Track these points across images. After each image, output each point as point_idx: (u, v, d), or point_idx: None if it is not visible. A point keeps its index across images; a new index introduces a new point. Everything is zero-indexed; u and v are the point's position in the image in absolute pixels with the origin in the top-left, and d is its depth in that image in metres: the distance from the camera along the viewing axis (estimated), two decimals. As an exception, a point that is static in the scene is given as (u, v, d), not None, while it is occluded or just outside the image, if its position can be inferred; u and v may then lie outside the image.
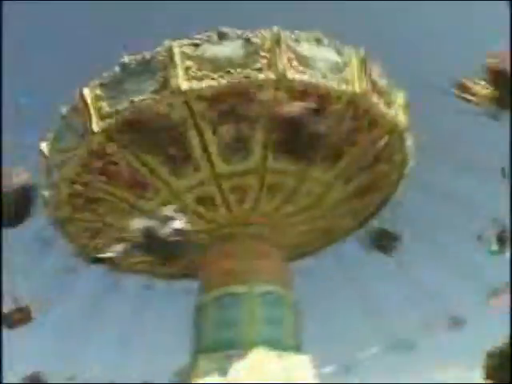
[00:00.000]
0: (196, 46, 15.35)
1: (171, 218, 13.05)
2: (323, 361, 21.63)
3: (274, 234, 21.05)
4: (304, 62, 15.93)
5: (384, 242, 22.16)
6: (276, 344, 18.60)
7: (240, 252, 20.14)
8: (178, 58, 15.16)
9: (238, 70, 15.26)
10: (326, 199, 19.90)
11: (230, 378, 17.31)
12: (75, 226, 19.88)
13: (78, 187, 17.85)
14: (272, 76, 15.43)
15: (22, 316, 13.22)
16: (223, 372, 17.53)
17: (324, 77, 16.16)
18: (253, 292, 19.40)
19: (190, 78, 15.17)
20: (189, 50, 15.32)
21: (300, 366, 18.51)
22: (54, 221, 19.36)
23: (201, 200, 19.16)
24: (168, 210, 13.56)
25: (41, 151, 17.95)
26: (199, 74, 15.16)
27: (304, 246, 23.93)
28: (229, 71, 15.23)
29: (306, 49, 16.24)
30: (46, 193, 18.57)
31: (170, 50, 15.29)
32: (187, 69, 15.15)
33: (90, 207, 18.91)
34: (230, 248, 20.31)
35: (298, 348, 19.44)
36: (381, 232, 22.37)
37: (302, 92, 16.11)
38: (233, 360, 17.70)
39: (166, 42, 15.41)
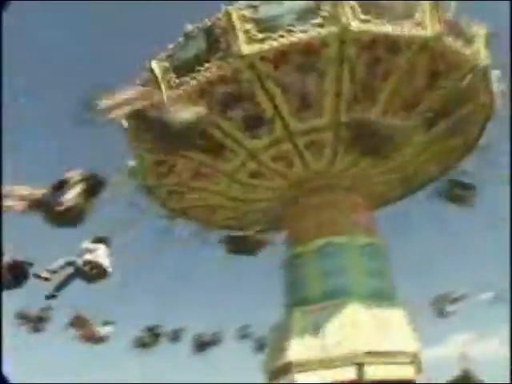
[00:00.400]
0: (254, 7, 15.11)
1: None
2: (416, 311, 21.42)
3: (358, 185, 20.87)
4: (369, 9, 15.13)
5: (459, 192, 21.08)
6: (373, 296, 18.77)
7: (327, 204, 20.23)
8: (237, 22, 15.05)
9: (299, 27, 14.90)
10: (405, 148, 19.18)
11: (325, 330, 17.67)
12: (162, 192, 20.96)
13: (162, 156, 18.64)
14: (335, 29, 14.92)
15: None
16: (318, 325, 17.93)
17: (392, 23, 15.31)
18: (351, 243, 19.57)
19: (251, 41, 15.05)
20: (247, 13, 15.13)
21: (397, 318, 18.51)
22: (141, 188, 20.57)
23: (278, 158, 19.31)
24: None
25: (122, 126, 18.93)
26: (260, 35, 15.00)
27: (388, 195, 23.44)
28: (290, 30, 14.92)
29: (369, -5, 15.43)
30: (132, 163, 19.66)
31: (228, 15, 15.19)
32: (247, 32, 15.02)
33: (173, 173, 19.79)
34: (317, 201, 20.38)
35: (393, 300, 19.49)
36: (455, 183, 21.31)
37: (370, 42, 15.58)
38: (328, 313, 18.03)
39: (224, 7, 15.30)
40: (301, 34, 14.89)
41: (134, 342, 24.27)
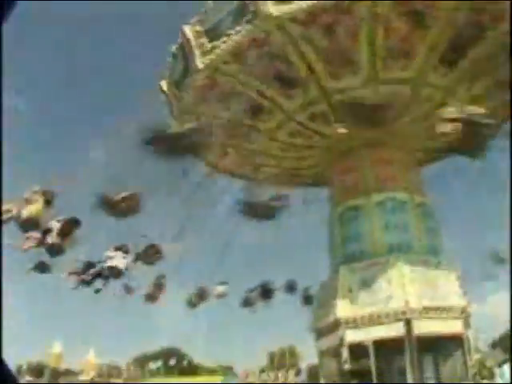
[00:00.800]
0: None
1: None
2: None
3: (398, 141, 20.49)
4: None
5: None
6: (425, 252, 19.02)
7: (366, 161, 20.33)
8: (265, -16, 14.87)
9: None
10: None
11: (373, 287, 18.05)
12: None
13: (197, 117, 19.14)
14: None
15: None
16: (367, 282, 18.31)
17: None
18: (411, 201, 19.70)
19: (279, 2, 14.91)
20: (276, -26, 14.88)
21: (446, 274, 18.63)
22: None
23: (314, 117, 19.23)
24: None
25: (161, 87, 19.45)
26: (288, -4, 14.79)
27: (434, 151, 22.81)
28: (319, -11, 14.58)
29: None
30: (173, 123, 20.28)
31: (256, -23, 15.00)
32: (275, -7, 14.83)
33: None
34: (356, 158, 20.50)
35: (443, 256, 19.56)
36: None
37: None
38: (377, 269, 18.35)
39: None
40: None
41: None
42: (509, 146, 20.16)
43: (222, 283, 23.69)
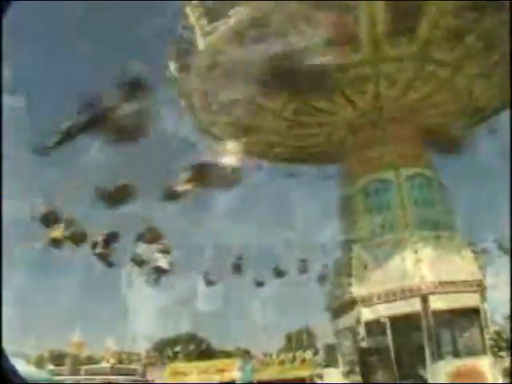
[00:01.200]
0: None
1: None
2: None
3: (416, 118, 20.37)
4: None
5: None
6: (430, 226, 18.93)
7: (384, 138, 19.80)
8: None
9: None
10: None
11: (387, 265, 18.08)
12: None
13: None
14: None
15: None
16: (380, 260, 18.37)
17: None
18: (403, 176, 19.56)
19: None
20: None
21: (458, 247, 18.61)
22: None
23: (352, 82, 18.50)
24: None
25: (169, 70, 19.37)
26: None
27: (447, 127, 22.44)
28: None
29: None
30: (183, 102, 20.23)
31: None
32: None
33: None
34: (375, 134, 20.12)
35: (454, 230, 19.51)
36: None
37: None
38: (388, 247, 18.40)
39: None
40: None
41: None
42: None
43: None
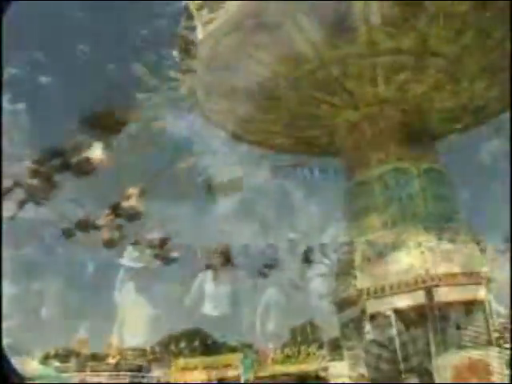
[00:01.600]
0: None
1: None
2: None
3: (421, 114, 20.23)
4: None
5: None
6: (439, 219, 18.79)
7: (367, 135, 20.06)
8: None
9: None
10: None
11: (391, 257, 17.95)
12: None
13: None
14: None
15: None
16: (384, 253, 18.19)
17: None
18: (417, 169, 19.38)
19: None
20: None
21: (464, 239, 18.50)
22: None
23: (349, 74, 18.46)
24: None
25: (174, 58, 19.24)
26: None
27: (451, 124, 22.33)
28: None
29: None
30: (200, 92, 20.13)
31: None
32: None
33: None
34: (358, 133, 20.30)
35: (455, 222, 19.28)
36: None
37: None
38: (392, 239, 18.22)
39: None
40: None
41: None
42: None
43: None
